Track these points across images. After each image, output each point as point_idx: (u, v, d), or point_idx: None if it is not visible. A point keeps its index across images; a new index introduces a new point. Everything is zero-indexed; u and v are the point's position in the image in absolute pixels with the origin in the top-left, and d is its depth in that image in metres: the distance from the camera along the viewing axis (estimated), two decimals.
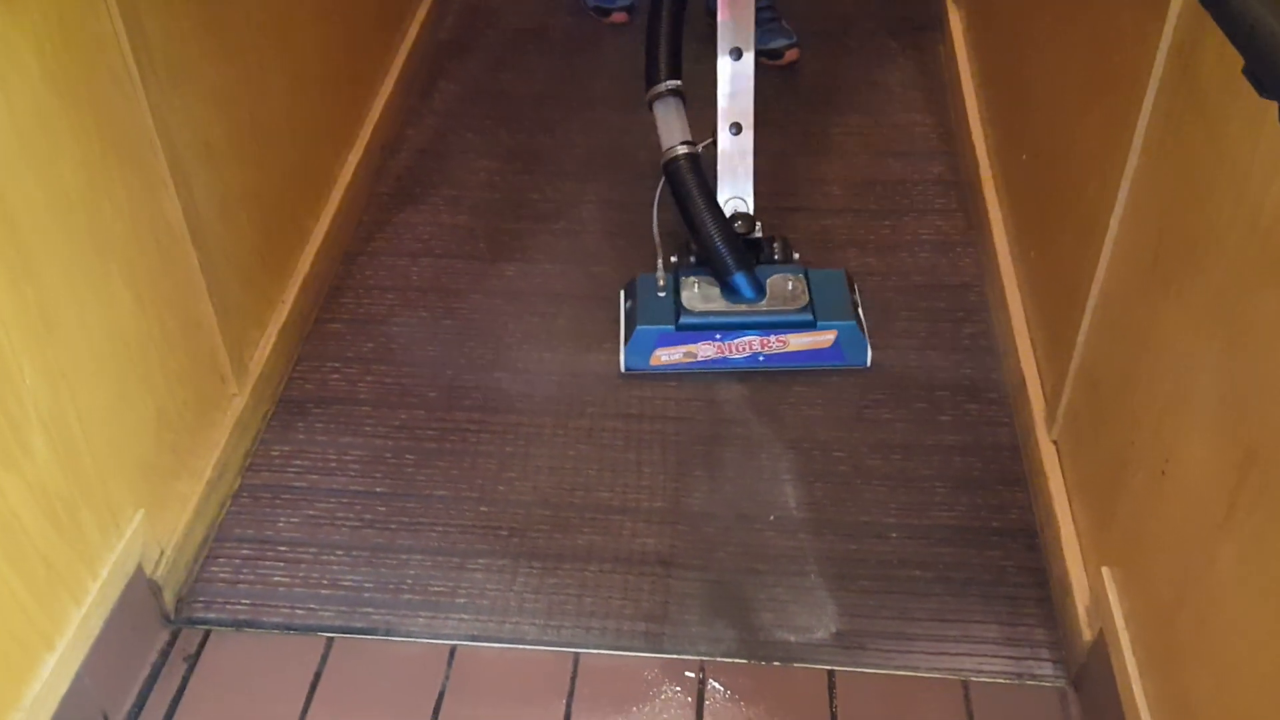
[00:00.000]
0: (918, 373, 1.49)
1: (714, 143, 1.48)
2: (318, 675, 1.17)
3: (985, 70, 1.81)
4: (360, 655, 1.19)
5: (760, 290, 1.45)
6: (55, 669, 1.02)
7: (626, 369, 1.46)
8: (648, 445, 1.40)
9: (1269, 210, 0.78)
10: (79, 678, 1.05)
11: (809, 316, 1.44)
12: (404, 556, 1.28)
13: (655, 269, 1.49)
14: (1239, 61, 0.72)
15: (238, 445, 1.36)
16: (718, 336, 1.44)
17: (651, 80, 1.46)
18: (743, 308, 1.44)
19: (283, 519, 1.33)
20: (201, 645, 1.20)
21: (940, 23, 2.09)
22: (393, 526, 1.32)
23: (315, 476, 1.37)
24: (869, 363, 1.45)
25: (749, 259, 1.46)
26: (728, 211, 1.49)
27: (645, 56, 1.46)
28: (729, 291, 1.45)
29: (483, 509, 1.33)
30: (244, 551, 1.29)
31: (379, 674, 1.17)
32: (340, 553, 1.29)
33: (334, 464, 1.39)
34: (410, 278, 1.66)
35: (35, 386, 0.96)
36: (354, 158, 1.75)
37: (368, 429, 1.43)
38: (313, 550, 1.29)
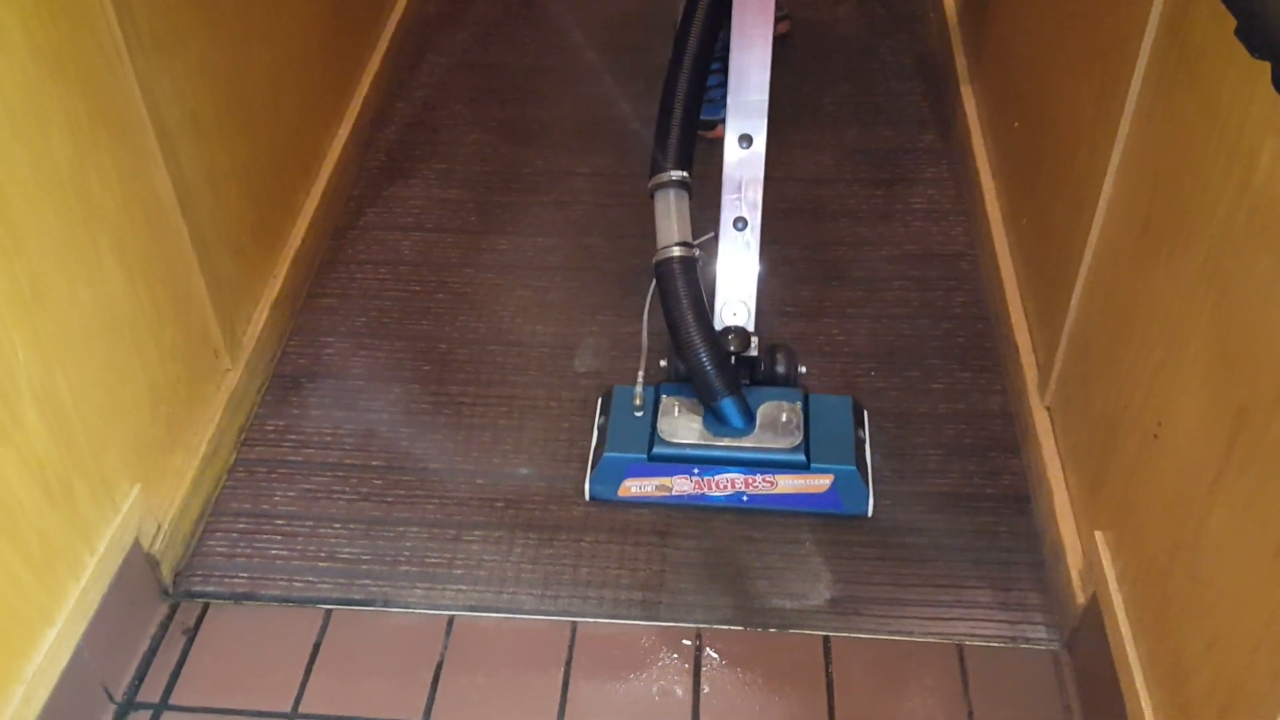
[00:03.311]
0: (910, 341, 1.49)
1: (715, 238, 1.32)
2: (317, 646, 1.18)
3: (976, 36, 1.81)
4: (359, 626, 1.20)
5: (749, 419, 1.26)
6: (55, 643, 1.02)
7: (591, 498, 1.29)
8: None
9: (1260, 172, 0.78)
10: (79, 651, 1.06)
11: (801, 457, 1.24)
12: (400, 529, 1.29)
13: (635, 380, 1.31)
14: (1230, 24, 0.72)
15: (232, 420, 1.36)
16: (695, 471, 1.25)
17: (656, 168, 1.30)
18: (726, 441, 1.25)
19: (279, 493, 1.33)
20: (200, 618, 1.21)
21: None
22: (389, 499, 1.32)
23: (310, 450, 1.38)
24: (870, 512, 1.26)
25: (738, 382, 1.26)
26: (725, 319, 1.32)
27: (654, 141, 1.32)
28: (713, 418, 1.27)
29: (478, 481, 1.34)
30: (241, 525, 1.29)
31: (378, 644, 1.18)
32: (337, 525, 1.29)
33: (329, 438, 1.39)
34: (402, 252, 1.65)
35: (27, 360, 0.96)
36: (343, 132, 1.74)
37: (362, 403, 1.43)
38: (309, 523, 1.29)
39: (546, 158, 1.82)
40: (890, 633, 1.17)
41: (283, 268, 1.51)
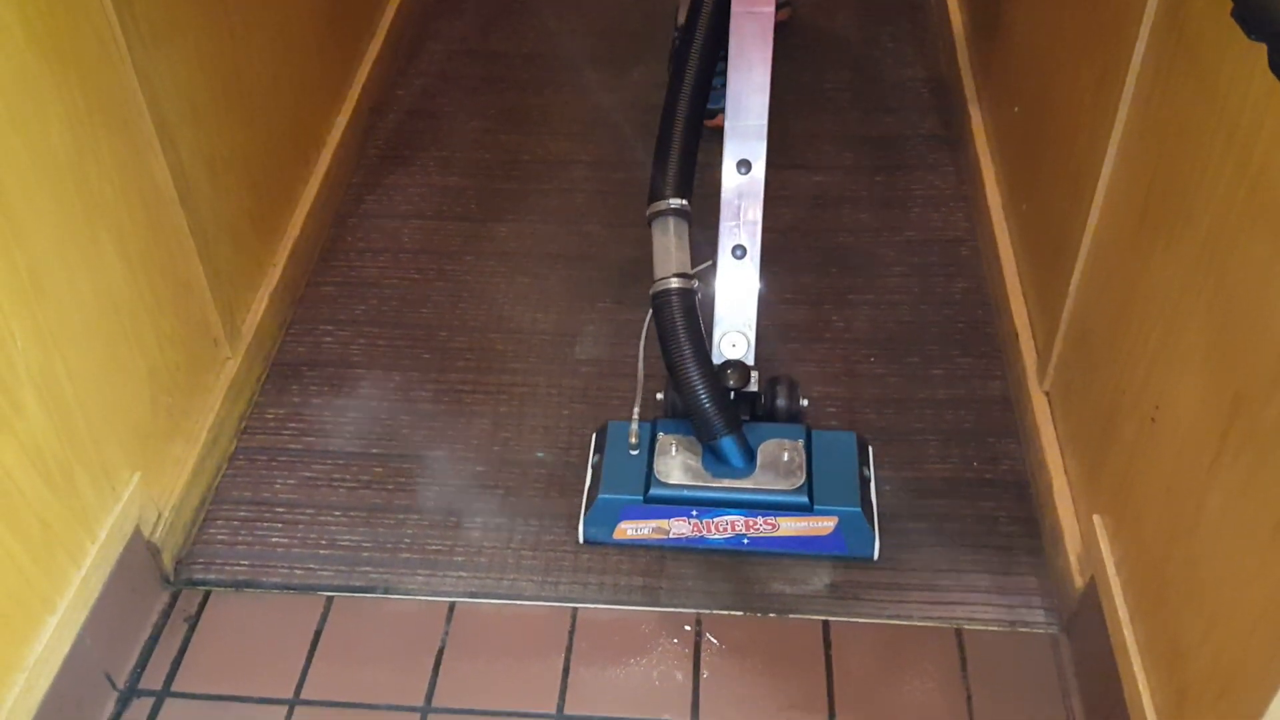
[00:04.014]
0: (910, 328, 1.49)
1: (713, 266, 1.26)
2: (318, 633, 1.18)
3: (977, 22, 1.80)
4: (360, 613, 1.20)
5: (749, 458, 1.21)
6: (56, 631, 1.03)
7: (585, 540, 1.24)
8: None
9: (1259, 154, 0.78)
10: (80, 639, 1.06)
11: (804, 498, 1.19)
12: (401, 516, 1.29)
13: (632, 414, 1.25)
14: (1228, 6, 0.72)
15: (232, 408, 1.36)
16: (694, 513, 1.20)
17: (655, 195, 1.26)
18: (726, 482, 1.20)
19: (279, 481, 1.33)
20: (202, 606, 1.21)
21: None
22: (389, 487, 1.32)
23: (311, 439, 1.38)
24: (876, 556, 1.21)
25: (738, 420, 1.21)
26: (724, 351, 1.26)
27: (652, 167, 1.28)
28: (712, 457, 1.22)
29: (478, 469, 1.34)
30: (242, 513, 1.30)
31: (379, 631, 1.19)
32: (338, 513, 1.29)
33: (329, 426, 1.39)
34: (401, 240, 1.65)
35: (26, 348, 0.96)
36: (342, 120, 1.74)
37: (362, 391, 1.44)
38: (310, 511, 1.30)
39: (546, 145, 1.82)
40: (889, 617, 1.18)
41: (282, 256, 1.51)
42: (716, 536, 1.21)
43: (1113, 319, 1.08)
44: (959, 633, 1.16)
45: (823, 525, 1.20)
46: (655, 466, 1.22)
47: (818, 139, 1.80)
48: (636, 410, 1.25)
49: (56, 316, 1.01)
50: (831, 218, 1.66)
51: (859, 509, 1.19)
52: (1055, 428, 1.25)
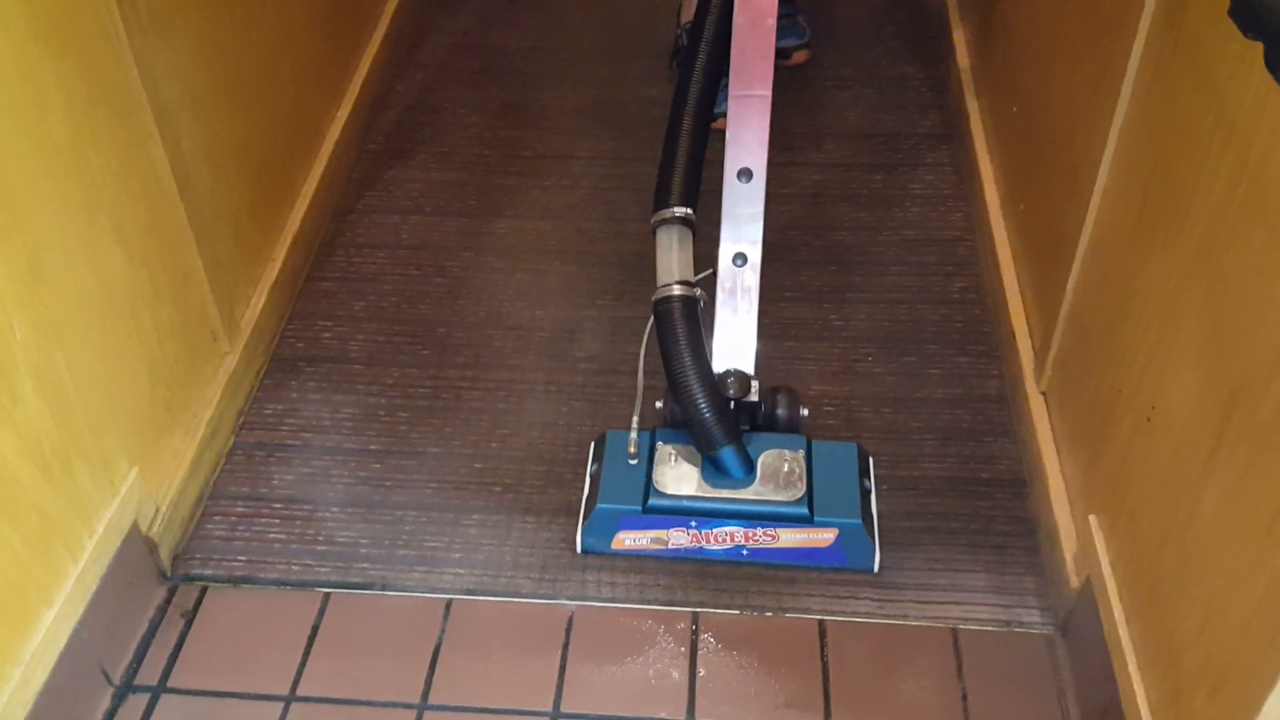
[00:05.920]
0: (908, 326, 1.49)
1: (713, 274, 1.25)
2: (315, 629, 1.18)
3: (977, 20, 1.80)
4: (357, 609, 1.20)
5: (749, 469, 1.21)
6: (53, 624, 1.03)
7: (583, 550, 1.23)
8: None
9: (1256, 151, 0.78)
10: (77, 633, 1.06)
11: (804, 510, 1.19)
12: (399, 512, 1.29)
13: (631, 424, 1.24)
14: (1225, 3, 0.72)
15: (230, 403, 1.36)
16: (693, 524, 1.20)
17: (660, 203, 1.25)
18: (726, 493, 1.20)
19: (277, 476, 1.33)
20: (199, 601, 1.21)
21: None
22: (387, 483, 1.32)
23: (309, 434, 1.38)
24: (876, 568, 1.20)
25: (738, 430, 1.21)
26: (724, 362, 1.25)
27: (658, 175, 1.28)
28: (712, 468, 1.21)
29: (476, 465, 1.34)
30: (239, 509, 1.30)
31: (377, 627, 1.19)
32: (335, 509, 1.29)
33: (327, 422, 1.39)
34: (401, 235, 1.65)
35: (25, 337, 0.96)
36: (342, 113, 1.74)
37: (360, 387, 1.44)
38: (308, 507, 1.30)
39: (546, 140, 1.82)
40: (885, 617, 1.18)
41: (282, 250, 1.51)
42: (715, 547, 1.21)
43: (1109, 318, 1.09)
44: (955, 632, 1.16)
45: (823, 537, 1.19)
46: (654, 476, 1.22)
47: (817, 136, 1.80)
48: (636, 419, 1.24)
49: (56, 305, 1.01)
50: (830, 215, 1.66)
51: (859, 521, 1.19)
52: (1052, 427, 1.26)
